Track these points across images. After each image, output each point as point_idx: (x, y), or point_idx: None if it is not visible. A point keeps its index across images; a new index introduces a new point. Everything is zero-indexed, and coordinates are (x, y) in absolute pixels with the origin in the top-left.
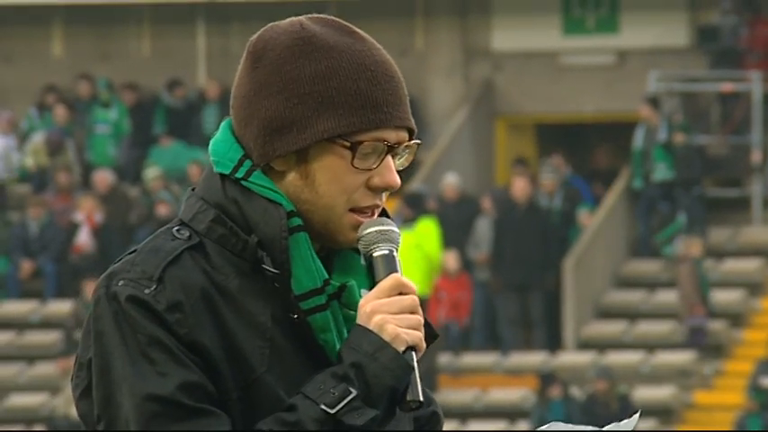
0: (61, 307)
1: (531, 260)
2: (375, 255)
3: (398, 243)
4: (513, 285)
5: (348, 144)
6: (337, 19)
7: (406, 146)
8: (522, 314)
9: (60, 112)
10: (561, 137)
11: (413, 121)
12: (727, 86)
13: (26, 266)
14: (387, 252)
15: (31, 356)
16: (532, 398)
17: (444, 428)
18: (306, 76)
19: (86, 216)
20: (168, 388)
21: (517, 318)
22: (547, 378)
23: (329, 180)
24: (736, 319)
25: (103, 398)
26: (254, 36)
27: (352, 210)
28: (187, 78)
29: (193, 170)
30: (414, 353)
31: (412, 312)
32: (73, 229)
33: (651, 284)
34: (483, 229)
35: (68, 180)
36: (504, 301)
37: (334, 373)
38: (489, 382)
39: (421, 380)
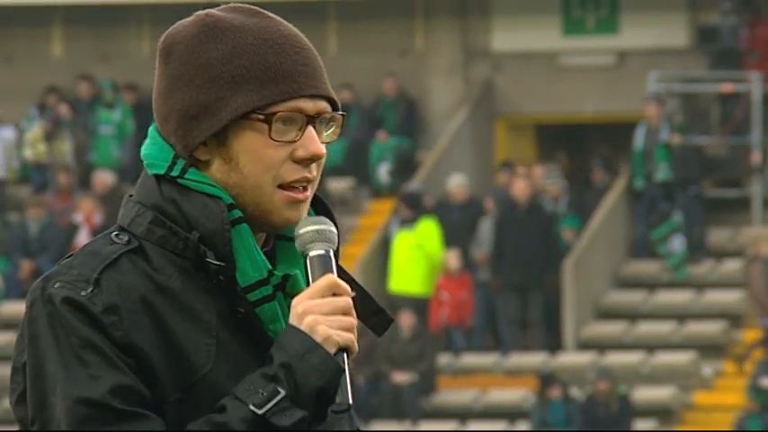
0: None
1: (531, 260)
2: (310, 255)
3: (335, 243)
4: (514, 285)
5: (262, 117)
6: (244, 4)
7: (331, 117)
8: (521, 314)
9: (63, 111)
10: (561, 137)
11: (331, 91)
12: (727, 87)
13: (26, 267)
14: (322, 252)
15: None
16: (532, 398)
17: (444, 428)
18: (214, 60)
19: (86, 217)
20: (99, 391)
21: (517, 318)
22: (547, 378)
23: (252, 159)
24: (735, 319)
25: (37, 401)
26: (164, 35)
27: (281, 186)
28: None
29: None
30: (345, 354)
31: (345, 314)
32: (72, 230)
33: (651, 285)
34: (485, 229)
35: (68, 181)
36: (504, 302)
37: (263, 374)
38: (489, 382)
39: (352, 384)
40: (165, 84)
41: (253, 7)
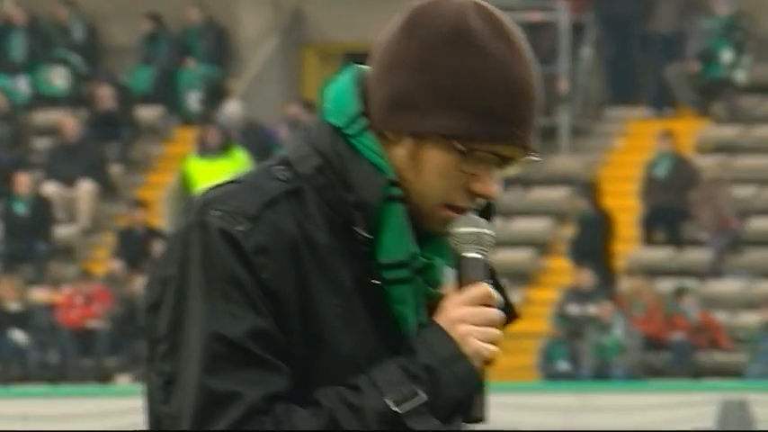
0: None
1: None
2: (467, 255)
3: (491, 247)
4: None
5: (463, 149)
6: (500, 15)
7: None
8: None
9: None
10: None
11: (532, 142)
12: (535, 15)
13: None
14: (480, 257)
15: None
16: None
17: None
18: (447, 67)
19: None
20: (238, 332)
21: None
22: None
23: (435, 172)
24: (542, 247)
25: (173, 321)
26: (419, 2)
27: (446, 205)
28: None
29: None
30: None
31: (494, 327)
32: None
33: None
34: None
35: None
36: None
37: (404, 368)
38: None
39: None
40: (394, 55)
41: (507, 26)
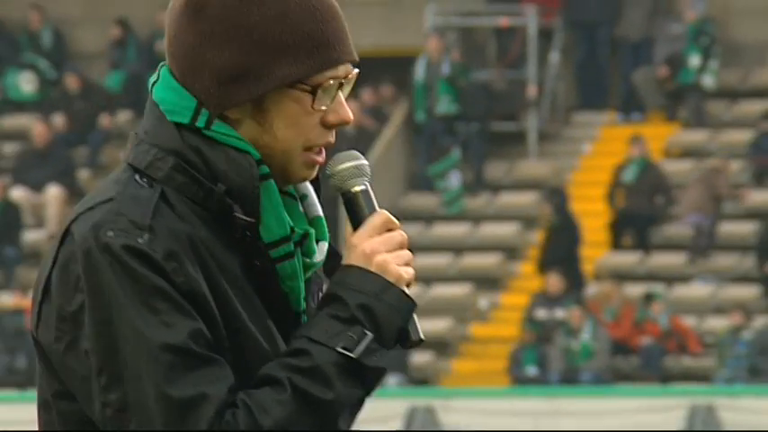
0: None
1: None
2: (354, 190)
3: (370, 176)
4: None
5: (309, 88)
6: None
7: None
8: None
9: None
10: None
11: (354, 53)
12: (504, 21)
13: None
14: (364, 187)
15: None
16: None
17: None
18: (256, 23)
19: None
20: (180, 337)
21: None
22: None
23: (288, 124)
24: (512, 252)
25: (105, 350)
26: None
27: (307, 148)
28: None
29: None
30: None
31: (403, 248)
32: None
33: (428, 218)
34: None
35: None
36: None
37: (336, 316)
38: None
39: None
40: (194, 38)
41: None
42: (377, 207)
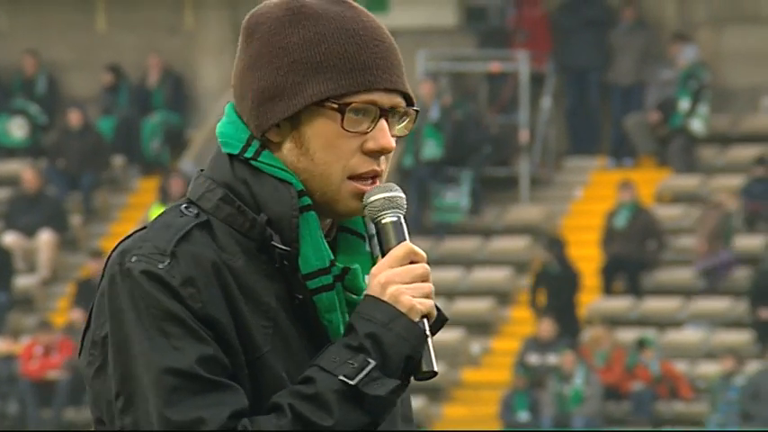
0: None
1: None
2: (383, 222)
3: (405, 209)
4: None
5: (336, 106)
6: None
7: (405, 111)
8: None
9: None
10: None
11: (407, 85)
12: (496, 66)
13: None
14: (395, 219)
15: None
16: None
17: None
18: (294, 44)
19: None
20: (186, 361)
21: None
22: None
23: (323, 146)
24: (504, 297)
25: (122, 374)
26: (249, 13)
27: (351, 177)
28: None
29: None
30: (426, 321)
31: (424, 281)
32: None
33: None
34: None
35: None
36: None
37: (347, 345)
38: None
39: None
40: (245, 63)
41: None
42: (407, 238)
